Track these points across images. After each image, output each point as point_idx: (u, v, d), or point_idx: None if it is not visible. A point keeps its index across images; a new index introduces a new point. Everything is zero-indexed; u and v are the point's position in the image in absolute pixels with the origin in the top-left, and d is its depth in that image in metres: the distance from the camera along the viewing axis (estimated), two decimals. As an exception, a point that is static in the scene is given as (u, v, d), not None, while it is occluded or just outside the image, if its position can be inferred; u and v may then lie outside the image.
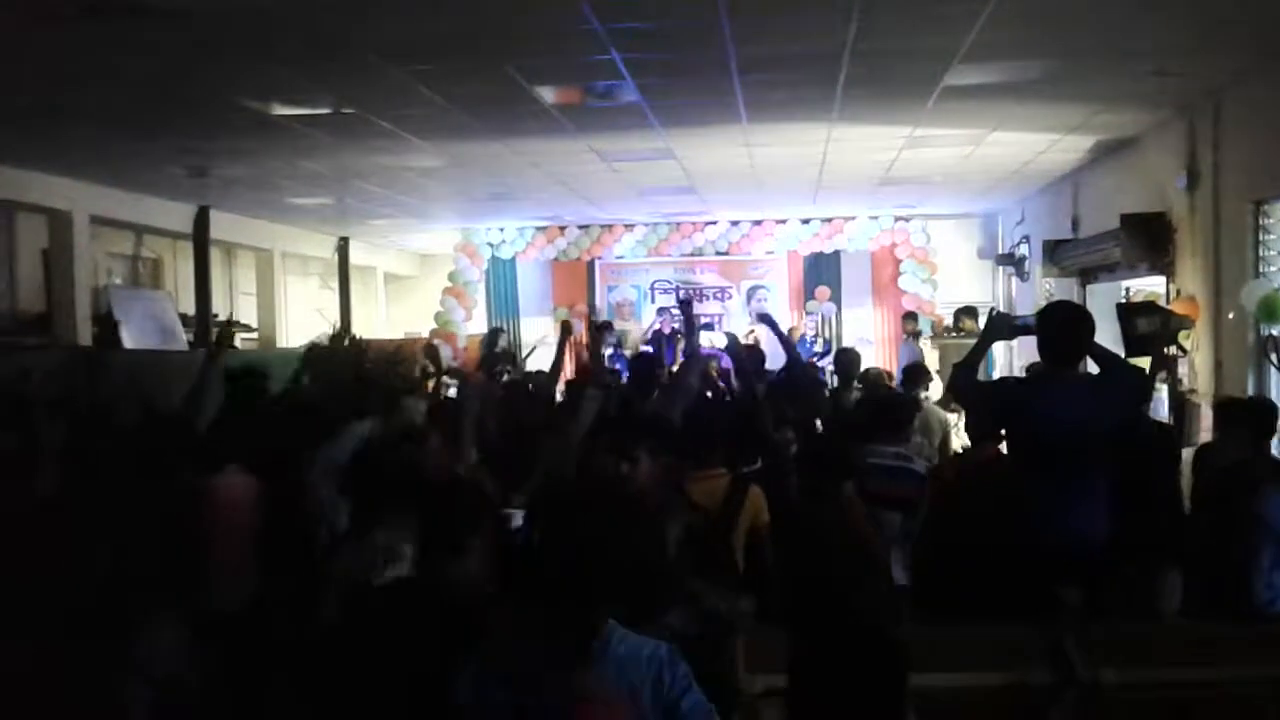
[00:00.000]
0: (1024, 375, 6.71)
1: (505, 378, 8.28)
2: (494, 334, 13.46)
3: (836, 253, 15.27)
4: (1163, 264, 8.24)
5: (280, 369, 7.15)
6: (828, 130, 8.53)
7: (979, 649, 3.34)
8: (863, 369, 8.74)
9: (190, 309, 12.07)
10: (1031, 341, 4.61)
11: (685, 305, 7.19)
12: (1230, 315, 7.16)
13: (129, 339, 10.52)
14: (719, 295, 15.69)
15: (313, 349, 8.04)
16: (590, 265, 15.81)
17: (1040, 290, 11.64)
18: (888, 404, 5.99)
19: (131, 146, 8.56)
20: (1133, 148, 9.08)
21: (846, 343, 14.36)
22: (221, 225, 12.16)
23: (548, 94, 7.14)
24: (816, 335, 14.40)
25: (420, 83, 6.68)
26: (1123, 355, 5.38)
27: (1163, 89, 7.24)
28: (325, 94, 6.98)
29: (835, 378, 8.94)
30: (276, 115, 7.42)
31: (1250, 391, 6.73)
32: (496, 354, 10.29)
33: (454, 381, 9.17)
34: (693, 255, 15.48)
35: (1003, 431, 5.09)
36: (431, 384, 8.55)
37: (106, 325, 10.30)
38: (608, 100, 7.29)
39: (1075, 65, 6.59)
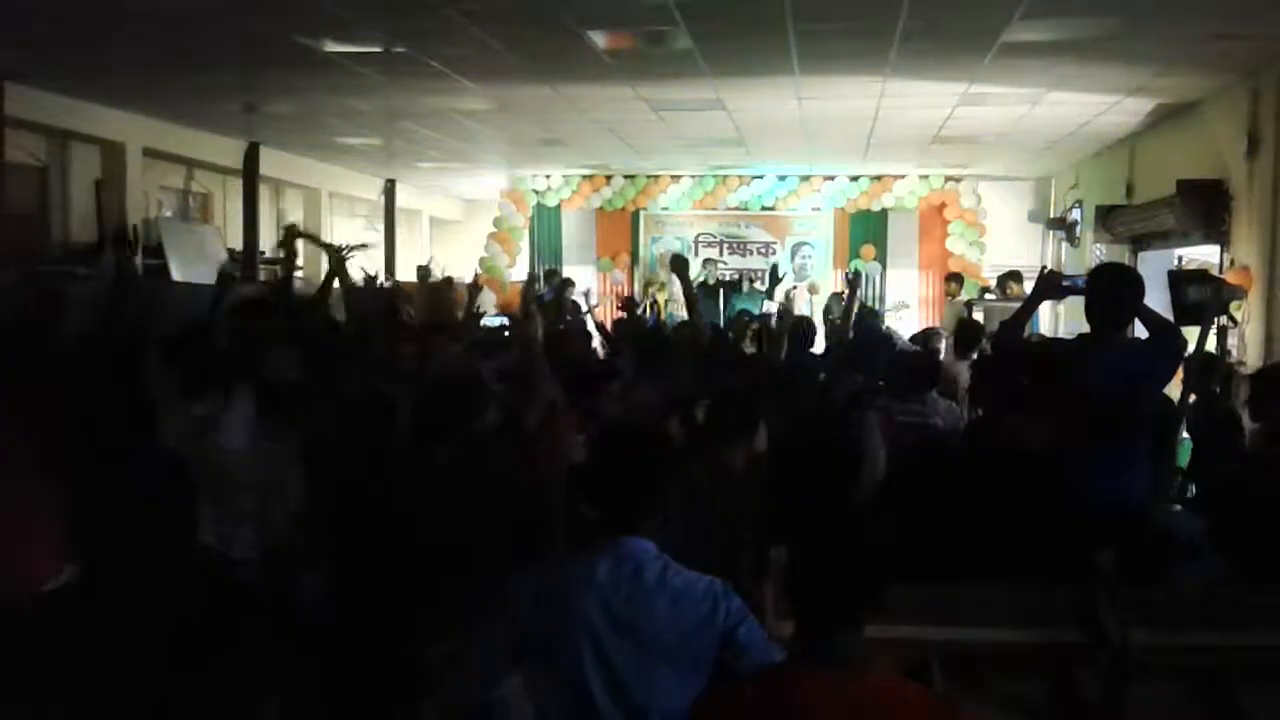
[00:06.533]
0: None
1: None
2: (561, 281, 12.76)
3: (883, 211, 15.10)
4: (1218, 233, 8.10)
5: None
6: (881, 85, 8.42)
7: (1008, 606, 3.33)
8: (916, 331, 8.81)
9: (238, 244, 12.20)
10: (1079, 304, 4.56)
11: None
12: (1284, 287, 7.05)
13: (177, 272, 10.65)
14: (763, 250, 15.60)
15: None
16: (635, 215, 15.75)
17: (1090, 256, 11.49)
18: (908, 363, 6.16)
19: (185, 80, 8.61)
20: (1192, 112, 8.90)
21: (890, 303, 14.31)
22: (271, 162, 12.26)
23: (599, 38, 7.09)
24: None
25: (472, 23, 6.65)
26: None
27: (1226, 52, 7.08)
28: (377, 32, 6.98)
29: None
30: (328, 52, 7.43)
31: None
32: (561, 300, 10.26)
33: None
34: (738, 210, 15.37)
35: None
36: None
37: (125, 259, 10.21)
38: (659, 46, 7.24)
39: (1137, 25, 6.44)
